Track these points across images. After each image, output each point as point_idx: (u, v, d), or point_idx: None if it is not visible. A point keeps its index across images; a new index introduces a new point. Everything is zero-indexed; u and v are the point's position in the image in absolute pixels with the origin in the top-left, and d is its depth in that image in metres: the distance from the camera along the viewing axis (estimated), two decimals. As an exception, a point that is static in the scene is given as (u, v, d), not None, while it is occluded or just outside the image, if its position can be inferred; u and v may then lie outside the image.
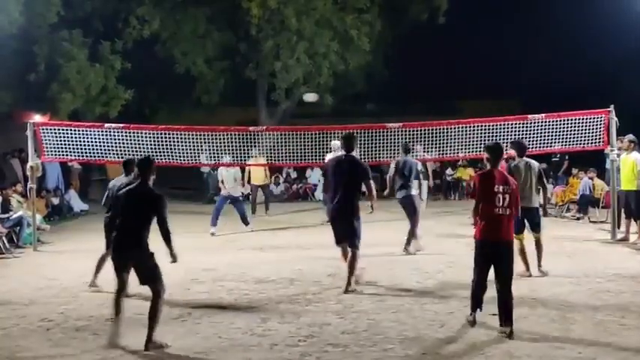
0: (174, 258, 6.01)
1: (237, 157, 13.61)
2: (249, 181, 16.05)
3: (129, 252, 5.95)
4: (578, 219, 14.23)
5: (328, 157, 13.62)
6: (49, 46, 16.83)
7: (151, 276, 5.89)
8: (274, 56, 20.00)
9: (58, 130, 12.30)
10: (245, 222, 13.53)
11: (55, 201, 16.17)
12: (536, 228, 8.47)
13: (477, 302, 6.23)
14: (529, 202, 8.21)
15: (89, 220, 16.03)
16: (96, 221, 15.60)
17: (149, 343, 5.76)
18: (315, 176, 20.45)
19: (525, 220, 8.27)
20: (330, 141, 13.40)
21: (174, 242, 5.99)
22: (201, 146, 13.90)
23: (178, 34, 19.93)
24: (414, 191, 10.47)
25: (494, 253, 6.04)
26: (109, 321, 6.63)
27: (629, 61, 22.47)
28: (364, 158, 13.48)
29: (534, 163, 8.48)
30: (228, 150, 13.44)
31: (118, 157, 12.61)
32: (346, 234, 7.80)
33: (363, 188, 7.91)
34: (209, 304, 7.33)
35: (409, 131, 12.82)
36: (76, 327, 6.49)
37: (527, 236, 8.47)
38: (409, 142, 11.71)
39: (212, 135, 13.51)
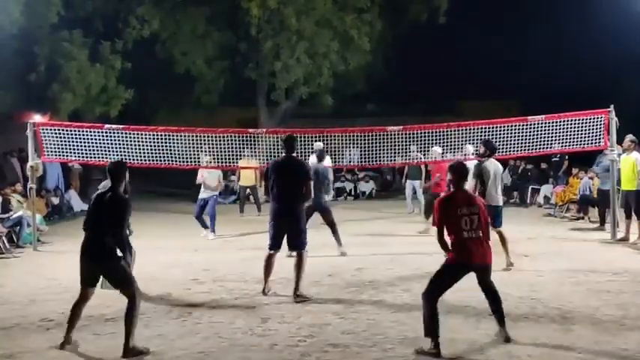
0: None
1: (236, 158, 13.60)
2: (238, 181, 16.15)
3: (95, 261, 5.81)
4: (578, 219, 14.25)
5: (311, 159, 13.42)
6: (49, 46, 16.83)
7: (121, 280, 5.76)
8: (274, 56, 20.00)
9: (58, 130, 12.29)
10: (210, 226, 12.66)
11: (55, 201, 16.17)
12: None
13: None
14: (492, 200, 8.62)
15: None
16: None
17: (127, 350, 5.57)
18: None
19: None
20: (330, 142, 13.41)
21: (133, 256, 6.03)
22: (201, 147, 13.87)
23: (178, 34, 19.94)
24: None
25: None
26: (109, 321, 6.65)
27: (629, 61, 22.50)
28: (364, 160, 13.53)
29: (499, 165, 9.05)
30: (228, 151, 13.41)
31: (118, 158, 12.62)
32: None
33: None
34: (209, 304, 7.33)
35: (409, 133, 12.81)
36: (76, 327, 6.46)
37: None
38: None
39: (212, 136, 13.48)
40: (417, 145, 13.15)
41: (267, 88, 21.51)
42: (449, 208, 5.70)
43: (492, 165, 8.92)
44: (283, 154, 7.85)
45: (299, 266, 7.53)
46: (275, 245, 7.66)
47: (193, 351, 5.72)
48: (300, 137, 13.43)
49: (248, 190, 16.72)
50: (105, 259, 5.77)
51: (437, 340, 5.44)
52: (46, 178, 16.55)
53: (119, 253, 5.77)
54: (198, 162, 14.25)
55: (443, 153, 12.72)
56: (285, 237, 7.62)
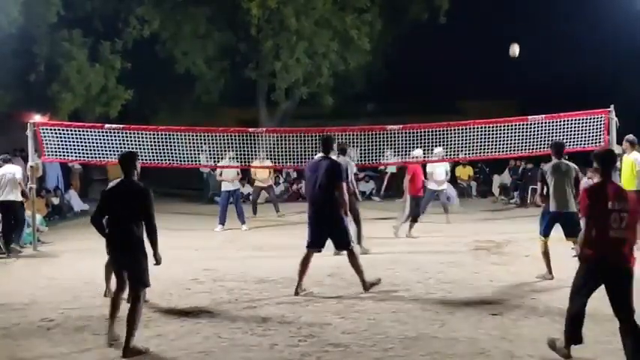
0: (157, 260, 5.82)
1: (238, 157, 13.61)
2: (252, 182, 16.13)
3: (123, 252, 5.78)
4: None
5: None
6: (49, 46, 16.83)
7: (138, 277, 5.70)
8: (274, 56, 19.99)
9: (58, 130, 12.30)
10: (242, 220, 13.54)
11: (55, 201, 16.17)
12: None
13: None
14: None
15: (89, 220, 16.02)
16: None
17: (127, 349, 5.53)
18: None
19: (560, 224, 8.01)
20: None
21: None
22: (201, 147, 13.91)
23: (178, 34, 19.93)
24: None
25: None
26: (108, 321, 6.63)
27: (629, 61, 22.49)
28: (364, 160, 13.53)
29: (572, 165, 8.29)
30: (229, 150, 13.43)
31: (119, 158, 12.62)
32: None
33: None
34: (209, 304, 7.32)
35: (409, 133, 12.81)
36: (76, 327, 6.48)
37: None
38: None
39: (212, 135, 13.50)
40: (419, 144, 13.09)
41: (267, 88, 21.51)
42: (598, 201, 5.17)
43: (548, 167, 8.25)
44: (320, 154, 7.94)
45: (355, 264, 7.62)
46: (312, 244, 7.72)
47: (193, 351, 5.72)
48: (300, 136, 13.54)
49: (263, 192, 16.50)
50: (131, 249, 5.69)
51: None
52: (46, 178, 16.55)
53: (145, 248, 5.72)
54: (199, 161, 14.29)
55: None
56: (329, 238, 7.68)
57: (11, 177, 11.00)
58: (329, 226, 7.62)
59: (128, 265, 5.79)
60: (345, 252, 7.76)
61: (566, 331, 5.30)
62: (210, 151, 14.20)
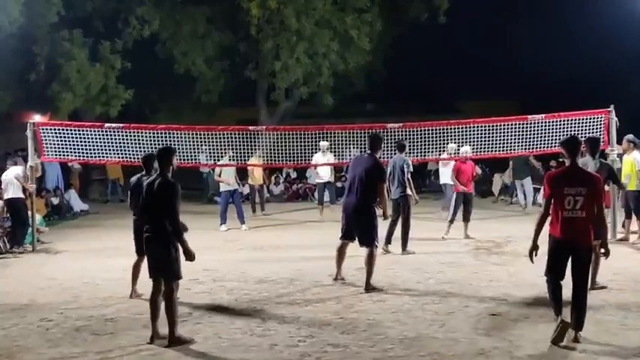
0: (187, 256, 5.87)
1: (237, 156, 13.62)
2: (248, 181, 16.17)
3: (153, 243, 5.89)
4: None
5: (316, 157, 13.79)
6: (49, 46, 16.84)
7: (168, 269, 5.81)
8: (274, 56, 19.98)
9: (58, 130, 12.29)
10: (241, 220, 13.56)
11: (55, 201, 16.16)
12: None
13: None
14: None
15: (89, 220, 16.04)
16: (96, 221, 15.69)
17: (172, 340, 5.77)
18: (315, 176, 20.40)
19: None
20: (330, 141, 13.39)
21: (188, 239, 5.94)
22: (201, 146, 13.91)
23: (178, 35, 19.93)
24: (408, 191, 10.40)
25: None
26: (109, 321, 6.64)
27: (629, 61, 22.50)
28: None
29: (604, 162, 8.01)
30: (229, 149, 13.43)
31: (118, 157, 12.64)
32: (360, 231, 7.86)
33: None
34: (209, 304, 7.31)
35: (409, 131, 12.80)
36: (76, 327, 6.48)
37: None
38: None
39: (212, 135, 13.49)
40: (418, 143, 13.05)
41: (267, 88, 21.50)
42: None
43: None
44: (367, 151, 8.12)
45: (369, 262, 7.71)
46: (344, 236, 8.00)
47: (193, 351, 5.71)
48: (300, 135, 13.54)
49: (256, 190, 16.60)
50: (160, 243, 5.81)
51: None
52: (45, 178, 16.54)
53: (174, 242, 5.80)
54: (199, 160, 14.30)
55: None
56: (355, 232, 7.84)
57: (11, 178, 11.26)
58: (357, 220, 7.78)
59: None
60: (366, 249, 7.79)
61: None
62: (210, 150, 14.20)
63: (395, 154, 10.75)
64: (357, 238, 7.89)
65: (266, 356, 5.59)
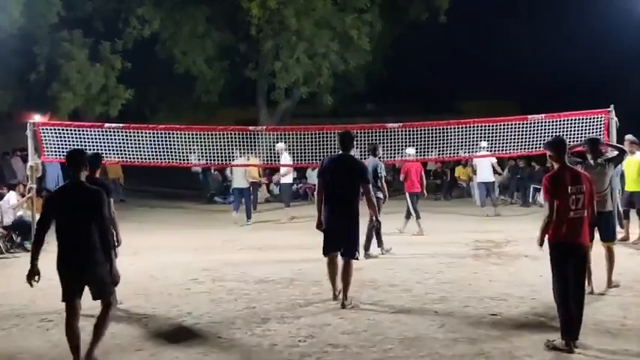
0: (113, 277, 5.28)
1: (239, 156, 13.70)
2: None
3: (79, 268, 5.32)
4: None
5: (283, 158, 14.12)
6: (49, 46, 16.84)
7: (104, 290, 5.24)
8: (274, 56, 19.99)
9: (58, 129, 12.29)
10: (248, 216, 13.94)
11: (55, 201, 16.14)
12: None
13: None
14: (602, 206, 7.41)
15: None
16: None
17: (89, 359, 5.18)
18: (314, 176, 20.40)
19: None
20: (331, 141, 13.36)
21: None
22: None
23: (178, 34, 19.93)
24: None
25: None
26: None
27: (629, 61, 22.51)
28: (363, 158, 13.50)
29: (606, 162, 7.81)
30: (229, 149, 13.44)
31: (118, 157, 12.64)
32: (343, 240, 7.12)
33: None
34: (209, 304, 7.31)
35: (409, 131, 12.79)
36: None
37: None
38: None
39: (212, 135, 13.48)
40: (418, 143, 13.04)
41: (267, 88, 21.50)
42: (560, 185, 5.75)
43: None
44: (340, 151, 7.35)
45: (350, 273, 7.04)
46: (330, 249, 7.13)
47: (193, 351, 5.71)
48: (300, 135, 13.53)
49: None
50: (92, 265, 5.18)
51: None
52: (45, 178, 16.54)
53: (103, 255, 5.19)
54: (190, 160, 14.30)
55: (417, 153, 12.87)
56: (338, 243, 7.08)
57: (6, 208, 11.58)
58: (342, 228, 7.02)
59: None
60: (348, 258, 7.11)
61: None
62: (201, 151, 14.09)
63: (369, 156, 10.47)
64: (341, 249, 7.09)
65: (266, 356, 5.59)
